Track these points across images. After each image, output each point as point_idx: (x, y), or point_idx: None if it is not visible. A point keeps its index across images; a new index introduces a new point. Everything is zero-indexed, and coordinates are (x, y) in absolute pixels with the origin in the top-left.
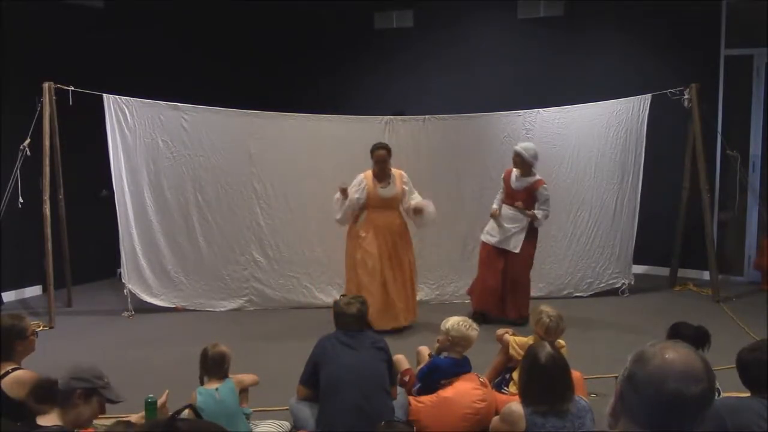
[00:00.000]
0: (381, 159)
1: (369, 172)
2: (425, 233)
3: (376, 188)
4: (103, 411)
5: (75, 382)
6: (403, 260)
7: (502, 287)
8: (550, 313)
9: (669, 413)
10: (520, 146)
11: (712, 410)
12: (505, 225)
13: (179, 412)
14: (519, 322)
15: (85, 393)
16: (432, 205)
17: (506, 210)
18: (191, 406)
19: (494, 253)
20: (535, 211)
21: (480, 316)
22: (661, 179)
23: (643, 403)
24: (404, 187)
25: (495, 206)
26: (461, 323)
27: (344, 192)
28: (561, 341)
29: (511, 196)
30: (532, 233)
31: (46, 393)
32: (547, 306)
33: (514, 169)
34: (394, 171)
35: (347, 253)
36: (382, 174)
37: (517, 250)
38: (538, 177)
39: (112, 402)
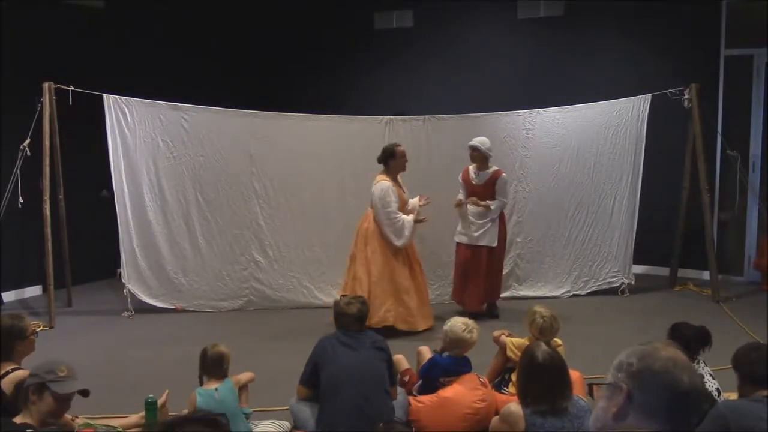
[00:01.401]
0: (405, 153)
1: (387, 178)
2: (426, 233)
3: (403, 195)
4: (65, 405)
5: (29, 379)
6: (414, 264)
7: (481, 281)
8: (544, 314)
9: (686, 405)
10: (476, 141)
11: (714, 411)
12: (477, 221)
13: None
14: (494, 312)
15: (36, 389)
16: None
17: (472, 208)
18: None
19: (469, 252)
20: (489, 202)
21: (474, 317)
22: (661, 179)
23: (657, 397)
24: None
25: (460, 197)
26: (459, 325)
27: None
28: (557, 340)
29: (473, 194)
30: (501, 223)
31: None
32: (540, 306)
33: (471, 167)
34: (398, 177)
35: (357, 254)
36: (398, 175)
37: (494, 244)
38: (495, 167)
39: (67, 395)
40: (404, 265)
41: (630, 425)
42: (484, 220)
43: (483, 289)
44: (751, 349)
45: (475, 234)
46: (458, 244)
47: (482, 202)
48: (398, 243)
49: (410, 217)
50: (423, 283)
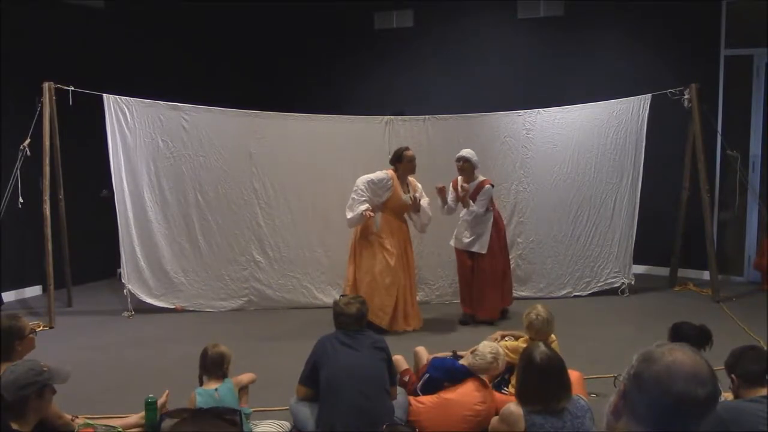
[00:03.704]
0: (413, 158)
1: (393, 173)
2: (425, 234)
3: (399, 192)
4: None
5: (23, 390)
6: (410, 266)
7: (474, 288)
8: (540, 313)
9: (674, 414)
10: (467, 152)
11: (712, 414)
12: (470, 228)
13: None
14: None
15: (38, 393)
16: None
17: (466, 215)
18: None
19: (464, 256)
20: (468, 203)
21: (469, 318)
22: (661, 179)
23: (648, 402)
24: (416, 195)
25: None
26: (488, 354)
27: (368, 215)
28: (552, 335)
29: (463, 202)
30: (496, 233)
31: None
32: (541, 306)
33: (459, 177)
34: (409, 178)
35: (359, 253)
36: (406, 177)
37: (483, 251)
38: (482, 178)
39: (62, 382)
40: (392, 264)
41: (622, 425)
42: (478, 227)
43: (492, 297)
44: (744, 350)
45: (467, 240)
46: (455, 248)
47: (464, 200)
48: (347, 216)
49: (365, 206)
50: (405, 289)
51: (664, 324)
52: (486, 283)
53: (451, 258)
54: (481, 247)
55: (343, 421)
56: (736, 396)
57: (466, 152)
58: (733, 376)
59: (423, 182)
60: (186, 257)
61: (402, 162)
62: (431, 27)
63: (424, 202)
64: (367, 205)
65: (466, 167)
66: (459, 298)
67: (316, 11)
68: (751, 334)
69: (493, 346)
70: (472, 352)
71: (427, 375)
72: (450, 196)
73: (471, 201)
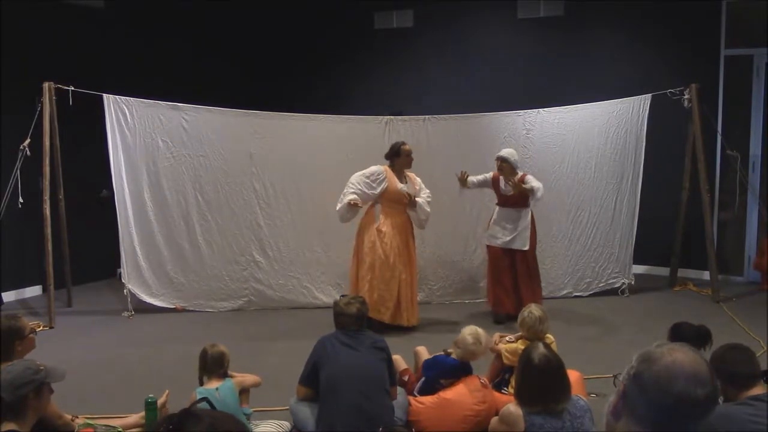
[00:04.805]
0: (410, 152)
1: (387, 167)
2: (426, 233)
3: (396, 184)
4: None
5: (21, 389)
6: (412, 260)
7: (515, 285)
8: (533, 311)
9: (673, 414)
10: (506, 152)
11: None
12: (508, 225)
13: (196, 404)
14: None
15: (36, 392)
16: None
17: (505, 212)
18: (206, 400)
19: (501, 254)
20: (527, 186)
21: (503, 317)
22: (661, 179)
23: (647, 403)
24: (416, 188)
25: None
26: (468, 338)
27: (355, 206)
28: (550, 336)
29: (503, 201)
30: (533, 229)
31: None
32: (535, 305)
33: (501, 177)
34: (408, 173)
35: (361, 248)
36: (404, 170)
37: (526, 248)
38: (520, 173)
39: (59, 380)
40: (391, 259)
41: (622, 425)
42: (518, 223)
43: (507, 293)
44: (726, 350)
45: (506, 238)
46: (489, 246)
47: (526, 186)
48: (336, 208)
49: (353, 197)
50: (405, 284)
51: (664, 324)
52: (527, 276)
53: (452, 258)
54: (522, 244)
55: (343, 421)
56: (725, 398)
57: (506, 152)
58: (719, 379)
59: (423, 182)
60: (186, 257)
61: (400, 156)
62: (431, 27)
63: (424, 194)
64: (355, 195)
65: (506, 168)
66: (488, 299)
67: (316, 11)
68: (751, 334)
69: (471, 329)
70: (454, 344)
71: (423, 378)
72: (478, 179)
73: (526, 186)
